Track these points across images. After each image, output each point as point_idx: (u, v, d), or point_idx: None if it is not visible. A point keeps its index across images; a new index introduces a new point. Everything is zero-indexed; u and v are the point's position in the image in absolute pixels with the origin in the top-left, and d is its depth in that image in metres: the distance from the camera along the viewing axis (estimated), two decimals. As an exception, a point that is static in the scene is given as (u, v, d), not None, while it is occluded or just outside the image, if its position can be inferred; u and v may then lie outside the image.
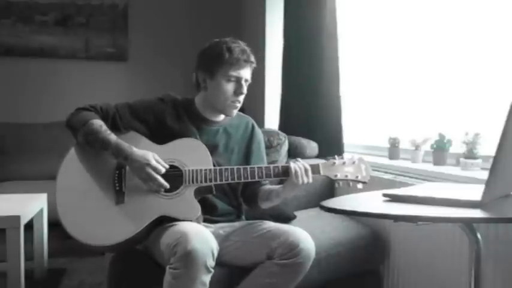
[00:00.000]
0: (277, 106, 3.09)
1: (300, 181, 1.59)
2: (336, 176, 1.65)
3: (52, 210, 2.36)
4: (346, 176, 1.65)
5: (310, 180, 1.61)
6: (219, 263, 1.53)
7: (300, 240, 1.54)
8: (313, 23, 2.73)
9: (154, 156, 1.58)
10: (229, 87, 1.68)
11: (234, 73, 1.67)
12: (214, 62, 1.68)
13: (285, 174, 1.62)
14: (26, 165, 3.44)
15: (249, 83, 1.74)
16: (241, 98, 1.72)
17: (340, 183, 1.66)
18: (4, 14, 3.78)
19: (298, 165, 1.60)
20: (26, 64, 3.85)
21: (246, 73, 1.70)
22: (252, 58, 1.71)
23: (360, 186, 1.66)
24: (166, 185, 1.57)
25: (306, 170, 1.60)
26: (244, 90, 1.70)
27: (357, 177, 1.66)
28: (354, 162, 1.68)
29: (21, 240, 2.07)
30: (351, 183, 1.66)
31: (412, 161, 2.21)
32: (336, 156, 1.70)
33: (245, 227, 1.70)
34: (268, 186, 1.77)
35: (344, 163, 1.67)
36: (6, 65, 3.81)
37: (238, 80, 1.68)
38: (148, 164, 1.55)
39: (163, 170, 1.57)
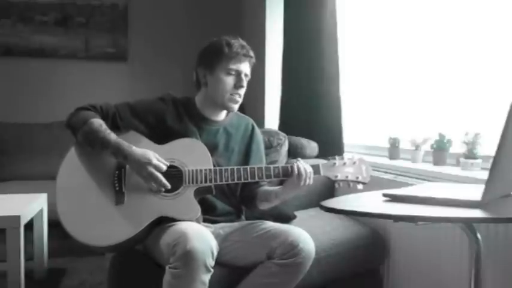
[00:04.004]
0: (277, 106, 3.09)
1: (302, 183, 1.59)
2: (336, 176, 1.65)
3: (52, 210, 2.36)
4: (347, 176, 1.66)
5: (311, 181, 1.61)
6: (219, 263, 1.53)
7: (300, 240, 1.54)
8: (313, 23, 2.73)
9: (155, 155, 1.58)
10: (229, 80, 1.69)
11: (233, 66, 1.68)
12: (214, 57, 1.70)
13: (285, 175, 1.62)
14: (26, 165, 3.44)
15: (249, 80, 1.75)
16: (241, 91, 1.72)
17: (341, 183, 1.66)
18: (4, 14, 3.78)
19: (302, 167, 1.60)
20: (26, 64, 3.84)
21: (245, 67, 1.72)
22: (251, 53, 1.73)
23: (360, 187, 1.66)
24: (168, 184, 1.56)
25: (309, 172, 1.60)
26: (244, 83, 1.72)
27: (357, 178, 1.66)
28: (354, 163, 1.68)
29: (21, 240, 2.06)
30: (351, 184, 1.67)
31: (412, 161, 2.21)
32: (336, 157, 1.70)
33: (245, 227, 1.70)
34: (266, 187, 1.78)
35: (344, 164, 1.67)
36: (6, 65, 3.81)
37: (238, 74, 1.70)
38: (150, 163, 1.54)
39: (164, 168, 1.57)
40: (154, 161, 1.55)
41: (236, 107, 1.75)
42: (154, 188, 1.58)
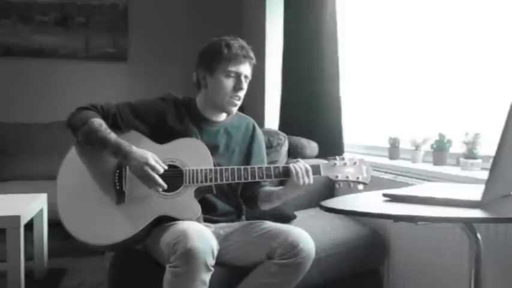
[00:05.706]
0: (277, 106, 3.09)
1: (301, 182, 1.59)
2: (336, 176, 1.65)
3: (52, 210, 2.36)
4: (347, 177, 1.65)
5: (311, 180, 1.61)
6: (219, 263, 1.53)
7: (300, 240, 1.54)
8: (313, 23, 2.73)
9: (153, 156, 1.57)
10: (229, 83, 1.68)
11: (233, 68, 1.67)
12: (213, 58, 1.68)
13: (285, 174, 1.62)
14: (26, 165, 3.44)
15: (249, 80, 1.74)
16: (241, 94, 1.72)
17: (341, 184, 1.66)
18: (4, 14, 3.78)
19: (298, 166, 1.60)
20: (26, 64, 3.85)
21: (245, 69, 1.70)
22: (251, 54, 1.71)
23: (360, 187, 1.66)
24: (164, 185, 1.56)
25: (306, 171, 1.60)
26: (244, 86, 1.70)
27: (358, 178, 1.66)
28: (355, 163, 1.68)
29: (21, 240, 2.07)
30: (351, 184, 1.66)
31: (412, 161, 2.21)
32: (336, 157, 1.70)
33: (245, 227, 1.70)
34: (268, 188, 1.77)
35: (345, 164, 1.67)
36: (6, 65, 3.81)
37: (237, 76, 1.69)
38: (147, 163, 1.54)
39: (161, 170, 1.56)
40: (152, 161, 1.55)
41: (235, 109, 1.75)
42: (151, 188, 1.58)
